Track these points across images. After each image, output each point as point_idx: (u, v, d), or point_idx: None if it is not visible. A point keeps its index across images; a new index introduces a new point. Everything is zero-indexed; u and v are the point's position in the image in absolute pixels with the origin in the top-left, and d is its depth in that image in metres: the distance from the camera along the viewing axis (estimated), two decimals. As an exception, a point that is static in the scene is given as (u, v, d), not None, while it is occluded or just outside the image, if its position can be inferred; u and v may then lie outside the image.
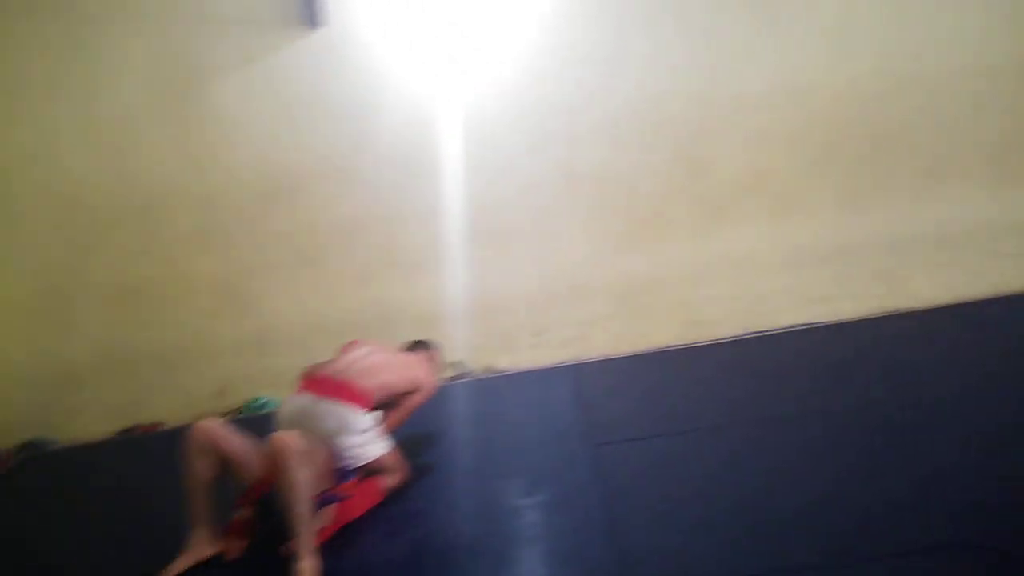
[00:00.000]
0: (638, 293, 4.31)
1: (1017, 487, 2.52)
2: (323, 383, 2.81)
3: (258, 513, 2.68)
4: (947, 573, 2.23)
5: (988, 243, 4.19)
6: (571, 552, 2.58)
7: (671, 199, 4.19)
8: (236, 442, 2.62)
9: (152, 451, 4.02)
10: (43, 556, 3.10)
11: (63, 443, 4.23)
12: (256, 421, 3.44)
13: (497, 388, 4.08)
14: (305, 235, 4.28)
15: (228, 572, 2.62)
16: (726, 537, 2.53)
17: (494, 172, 4.04)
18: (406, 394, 3.05)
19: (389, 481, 2.89)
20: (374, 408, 2.87)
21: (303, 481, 2.42)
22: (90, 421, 4.22)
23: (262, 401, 4.25)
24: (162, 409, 4.27)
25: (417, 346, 3.32)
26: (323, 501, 2.61)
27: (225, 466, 2.60)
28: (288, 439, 2.44)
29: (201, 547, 2.56)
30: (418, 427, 3.34)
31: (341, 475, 2.72)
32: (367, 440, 2.79)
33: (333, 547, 2.64)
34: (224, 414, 4.02)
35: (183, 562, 2.52)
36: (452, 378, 4.23)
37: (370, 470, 2.83)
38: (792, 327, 4.34)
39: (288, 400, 2.82)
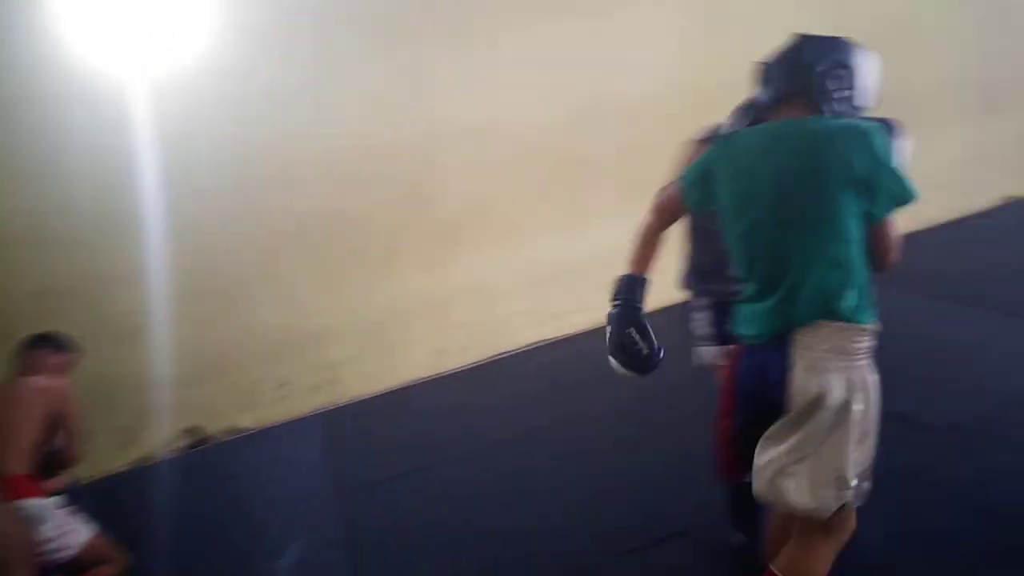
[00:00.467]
0: (383, 329, 4.24)
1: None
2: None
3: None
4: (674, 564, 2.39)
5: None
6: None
7: (404, 232, 4.18)
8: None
9: None
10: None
11: None
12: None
13: (241, 449, 3.80)
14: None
15: None
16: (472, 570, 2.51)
17: (209, 223, 3.77)
18: (55, 421, 2.49)
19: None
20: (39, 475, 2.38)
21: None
22: None
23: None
24: None
25: (30, 356, 2.57)
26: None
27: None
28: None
29: None
30: (148, 507, 3.02)
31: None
32: (58, 529, 2.33)
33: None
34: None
35: None
36: (189, 446, 3.89)
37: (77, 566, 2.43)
38: (533, 344, 4.53)
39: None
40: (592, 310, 4.66)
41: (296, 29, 3.75)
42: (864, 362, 1.63)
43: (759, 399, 1.70)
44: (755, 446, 1.69)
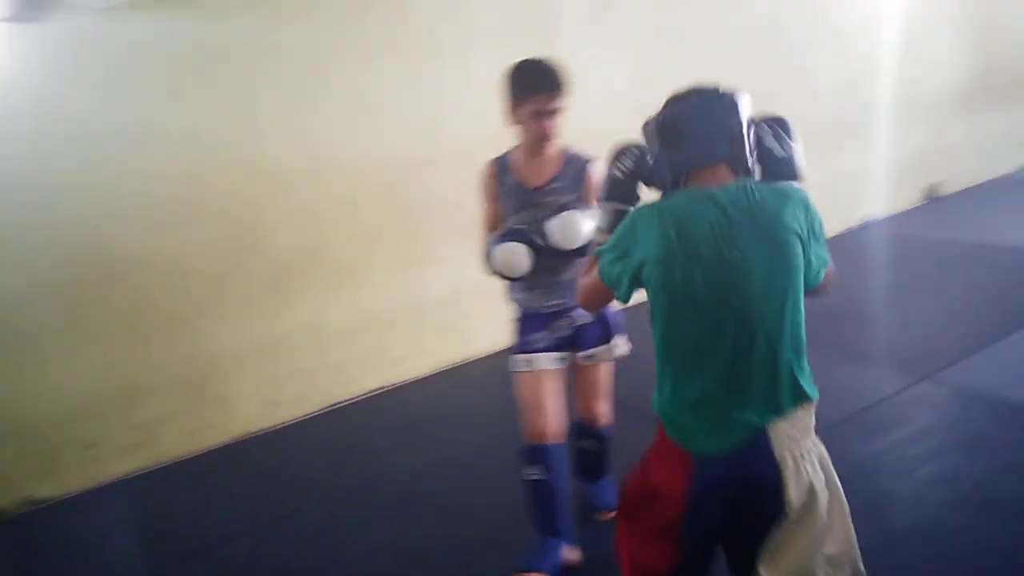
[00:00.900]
0: (206, 382, 3.93)
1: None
2: None
3: None
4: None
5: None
6: None
7: (230, 277, 3.91)
8: None
9: None
10: None
11: None
12: None
13: (40, 523, 3.36)
14: None
15: None
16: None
17: (1, 271, 3.37)
18: None
19: None
20: None
21: None
22: None
23: None
24: None
25: None
26: None
27: None
28: None
29: None
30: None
31: None
32: None
33: None
34: None
35: None
36: (-26, 525, 3.39)
37: None
38: (374, 391, 4.37)
39: None
40: (434, 353, 4.60)
41: (106, 60, 3.48)
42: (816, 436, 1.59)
43: (741, 513, 1.53)
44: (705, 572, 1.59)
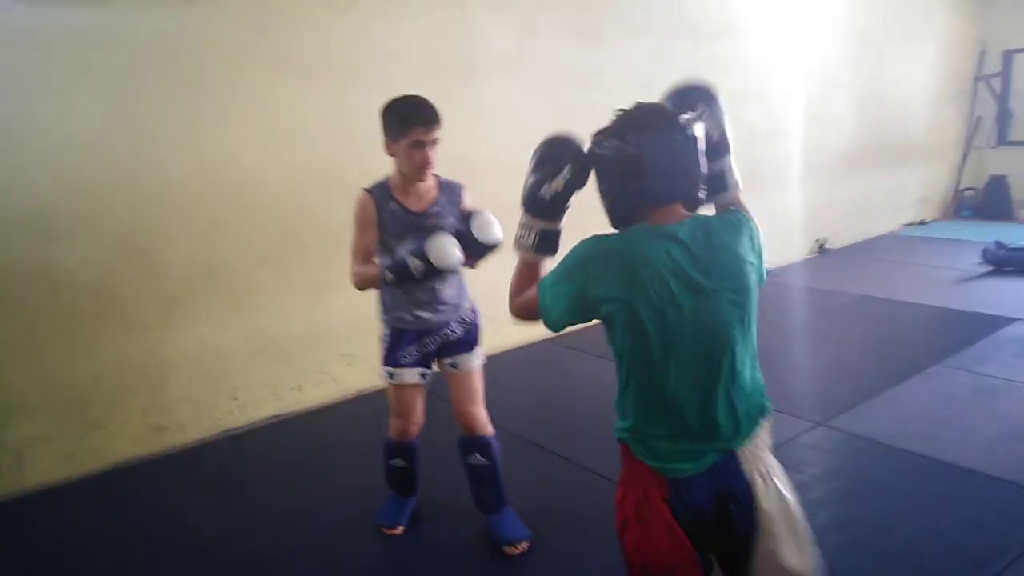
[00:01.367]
0: (86, 404, 3.63)
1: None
2: None
3: None
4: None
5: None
6: None
7: (118, 293, 3.64)
8: None
9: None
10: None
11: None
12: None
13: None
14: None
15: None
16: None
17: None
18: None
19: None
20: None
21: None
22: None
23: None
24: None
25: None
26: None
27: None
28: None
29: None
30: None
31: None
32: None
33: None
34: None
35: None
36: None
37: None
38: (269, 419, 4.16)
39: None
40: (335, 381, 4.44)
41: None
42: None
43: (716, 530, 1.57)
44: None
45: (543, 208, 1.68)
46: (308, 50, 4.07)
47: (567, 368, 4.74)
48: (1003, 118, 9.13)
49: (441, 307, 2.68)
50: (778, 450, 3.37)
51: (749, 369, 1.58)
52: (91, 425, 3.66)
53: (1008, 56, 9.00)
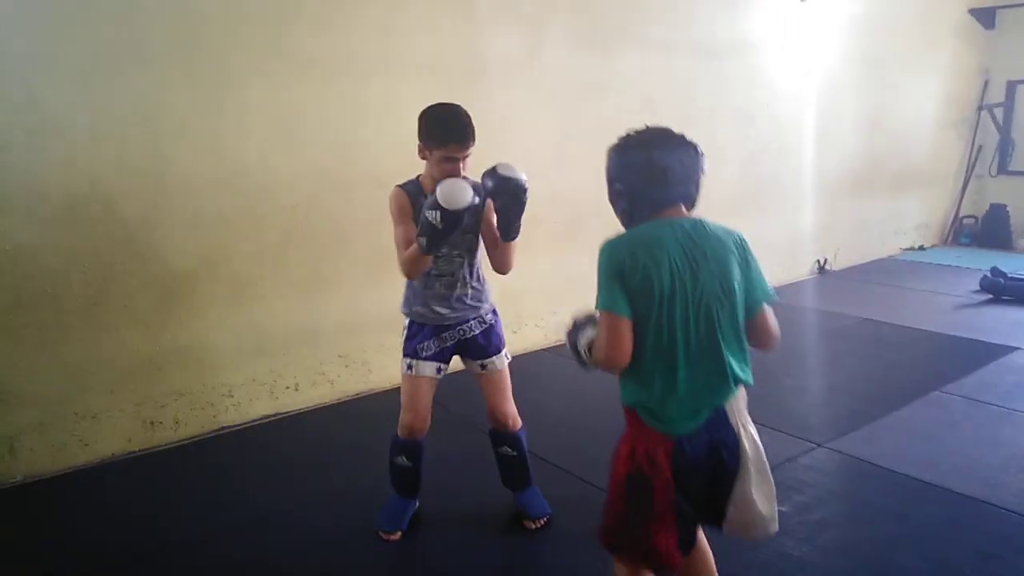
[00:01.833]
0: (80, 395, 3.57)
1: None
2: None
3: None
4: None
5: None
6: None
7: (115, 282, 3.59)
8: None
9: None
10: None
11: None
12: None
13: None
14: None
15: None
16: None
17: None
18: None
19: None
20: None
21: None
22: None
23: None
24: None
25: None
26: None
27: None
28: None
29: None
30: None
31: None
32: None
33: None
34: None
35: None
36: None
37: None
38: (263, 419, 4.11)
39: None
40: (332, 382, 4.39)
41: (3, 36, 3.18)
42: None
43: (712, 475, 1.88)
44: (693, 523, 1.94)
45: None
46: (315, 48, 4.04)
47: (568, 379, 4.69)
48: (1005, 147, 9.17)
49: (458, 304, 2.80)
50: (778, 470, 3.37)
51: (735, 345, 1.90)
52: (84, 417, 3.61)
53: (1012, 86, 9.05)
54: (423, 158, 2.67)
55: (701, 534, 2.07)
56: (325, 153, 4.16)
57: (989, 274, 6.65)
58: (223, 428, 3.99)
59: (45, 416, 3.50)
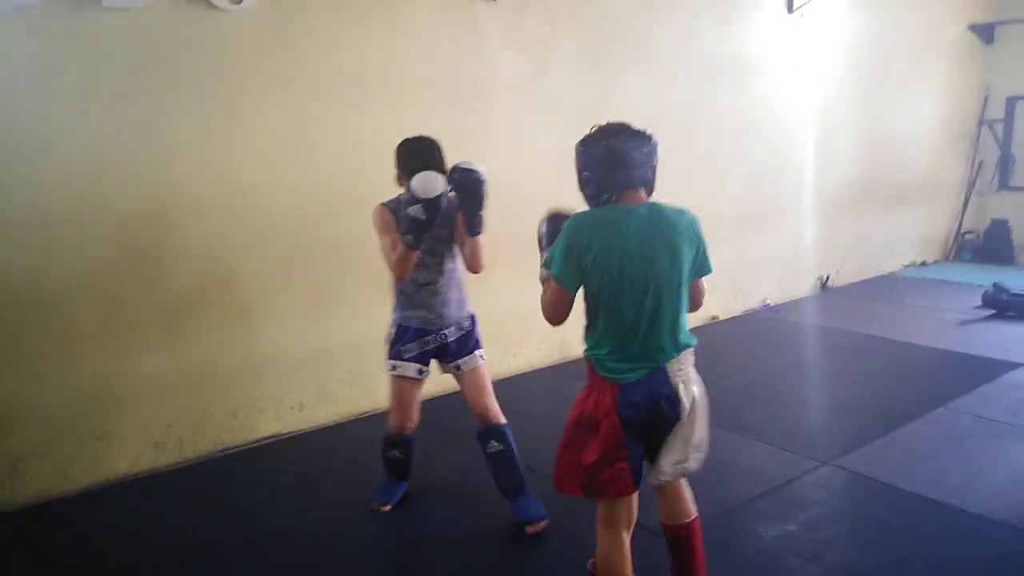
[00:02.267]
0: (87, 416, 3.59)
1: None
2: None
3: None
4: None
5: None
6: None
7: (121, 305, 3.61)
8: None
9: None
10: None
11: None
12: None
13: None
14: None
15: None
16: None
17: None
18: None
19: None
20: None
21: None
22: None
23: None
24: None
25: None
26: None
27: None
28: None
29: None
30: None
31: None
32: None
33: None
34: None
35: None
36: None
37: None
38: (269, 438, 4.12)
39: None
40: (336, 402, 4.39)
41: (10, 61, 3.23)
42: (694, 368, 2.31)
43: (651, 420, 2.20)
44: (639, 461, 2.24)
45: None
46: (319, 67, 4.09)
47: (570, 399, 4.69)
48: (1005, 163, 9.20)
49: (442, 309, 3.07)
50: (785, 488, 3.39)
51: (679, 313, 2.23)
52: (89, 439, 3.62)
53: (1011, 102, 9.08)
54: (400, 185, 2.99)
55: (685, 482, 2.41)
56: (329, 173, 4.20)
57: (991, 290, 6.66)
58: (228, 448, 4.00)
59: (51, 438, 3.51)
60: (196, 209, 3.79)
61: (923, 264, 8.90)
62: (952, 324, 6.34)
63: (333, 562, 2.92)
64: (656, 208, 2.21)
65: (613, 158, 2.17)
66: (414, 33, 4.41)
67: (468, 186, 2.81)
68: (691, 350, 2.28)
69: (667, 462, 2.22)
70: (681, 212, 2.24)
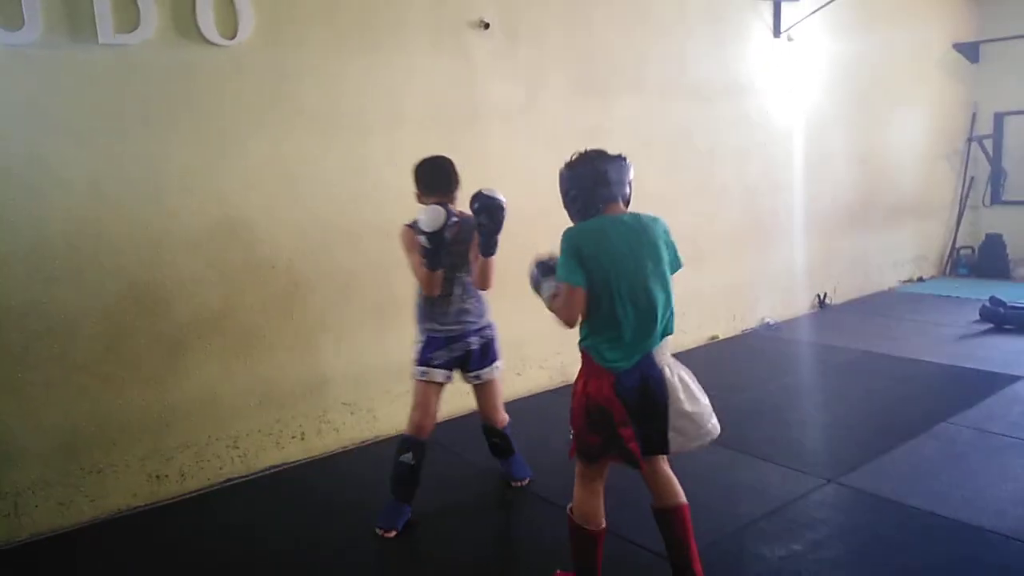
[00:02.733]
0: (86, 451, 3.57)
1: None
2: None
3: None
4: None
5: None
6: None
7: (121, 337, 3.61)
8: None
9: None
10: None
11: None
12: None
13: None
14: None
15: None
16: None
17: None
18: None
19: None
20: None
21: None
22: None
23: None
24: None
25: None
26: None
27: None
28: None
29: None
30: None
31: None
32: None
33: None
34: None
35: None
36: None
37: None
38: (271, 469, 4.09)
39: None
40: (337, 431, 4.38)
41: (6, 95, 3.26)
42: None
43: (644, 400, 2.46)
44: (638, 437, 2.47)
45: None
46: (317, 98, 4.13)
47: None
48: (996, 178, 9.28)
49: (462, 316, 3.37)
50: (790, 508, 3.38)
51: (664, 307, 2.52)
52: (90, 472, 3.60)
53: (999, 118, 9.18)
54: (420, 202, 3.27)
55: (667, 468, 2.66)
56: (328, 204, 4.22)
57: (988, 303, 6.68)
58: (229, 480, 3.98)
59: (50, 472, 3.49)
60: (195, 241, 3.81)
61: (920, 280, 8.94)
62: (951, 339, 6.35)
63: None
64: (636, 216, 2.57)
65: (597, 176, 2.53)
66: (408, 65, 4.46)
67: (489, 211, 3.08)
68: (670, 337, 2.58)
69: (688, 434, 2.50)
70: (655, 219, 2.60)
